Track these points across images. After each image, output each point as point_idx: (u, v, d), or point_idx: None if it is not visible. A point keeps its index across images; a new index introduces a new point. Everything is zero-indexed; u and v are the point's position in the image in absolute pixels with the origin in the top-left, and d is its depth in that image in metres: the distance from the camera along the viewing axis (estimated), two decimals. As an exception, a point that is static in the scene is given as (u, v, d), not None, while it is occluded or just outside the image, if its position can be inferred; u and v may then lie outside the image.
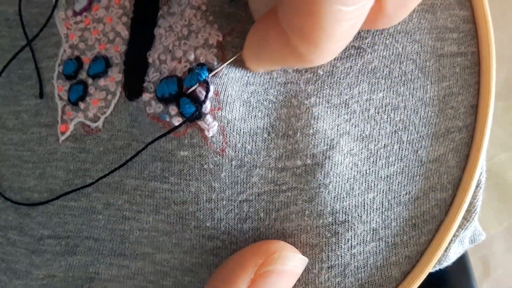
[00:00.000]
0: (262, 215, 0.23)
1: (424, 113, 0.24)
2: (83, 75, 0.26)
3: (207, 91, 0.22)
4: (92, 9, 0.26)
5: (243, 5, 0.24)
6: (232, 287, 0.21)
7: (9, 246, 0.27)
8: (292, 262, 0.22)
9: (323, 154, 0.23)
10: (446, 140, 0.24)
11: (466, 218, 0.24)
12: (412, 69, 0.24)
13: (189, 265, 0.24)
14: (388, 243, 0.23)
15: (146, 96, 0.24)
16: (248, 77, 0.23)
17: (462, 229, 0.24)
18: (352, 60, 0.24)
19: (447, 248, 0.24)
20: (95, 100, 0.25)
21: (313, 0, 0.17)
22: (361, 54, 0.24)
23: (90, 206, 0.25)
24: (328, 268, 0.23)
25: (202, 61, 0.23)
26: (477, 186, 0.24)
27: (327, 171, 0.23)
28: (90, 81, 0.26)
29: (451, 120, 0.24)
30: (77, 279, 0.25)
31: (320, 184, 0.23)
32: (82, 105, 0.26)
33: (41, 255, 0.26)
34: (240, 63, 0.23)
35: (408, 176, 0.24)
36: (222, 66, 0.23)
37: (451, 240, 0.24)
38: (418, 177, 0.24)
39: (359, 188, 0.23)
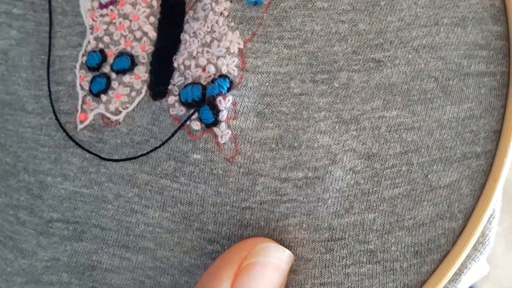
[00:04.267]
0: (262, 223, 0.24)
1: (440, 135, 0.23)
2: (106, 69, 0.27)
3: (226, 101, 0.24)
4: (118, 4, 0.27)
5: (265, 8, 0.24)
6: (217, 280, 0.21)
7: (18, 225, 0.27)
8: (275, 254, 0.22)
9: (324, 169, 0.23)
10: (461, 166, 0.23)
11: (478, 249, 0.23)
12: (433, 88, 0.23)
13: (187, 265, 0.25)
14: (385, 267, 0.23)
15: (171, 99, 0.25)
16: (267, 87, 0.24)
17: (473, 261, 0.23)
18: (370, 73, 0.23)
19: (458, 280, 0.23)
20: (118, 95, 0.26)
21: None
22: (380, 68, 0.23)
23: (101, 195, 0.26)
24: (320, 284, 0.23)
25: (224, 72, 0.24)
26: (490, 216, 0.23)
27: (327, 186, 0.23)
28: (113, 75, 0.27)
29: (468, 145, 0.23)
30: (80, 265, 0.26)
31: (318, 199, 0.23)
32: (104, 97, 0.26)
33: (48, 237, 0.27)
34: (260, 72, 0.24)
35: (414, 201, 0.23)
36: (242, 76, 0.24)
37: (462, 272, 0.23)
38: (425, 202, 0.23)
39: (359, 207, 0.23)
